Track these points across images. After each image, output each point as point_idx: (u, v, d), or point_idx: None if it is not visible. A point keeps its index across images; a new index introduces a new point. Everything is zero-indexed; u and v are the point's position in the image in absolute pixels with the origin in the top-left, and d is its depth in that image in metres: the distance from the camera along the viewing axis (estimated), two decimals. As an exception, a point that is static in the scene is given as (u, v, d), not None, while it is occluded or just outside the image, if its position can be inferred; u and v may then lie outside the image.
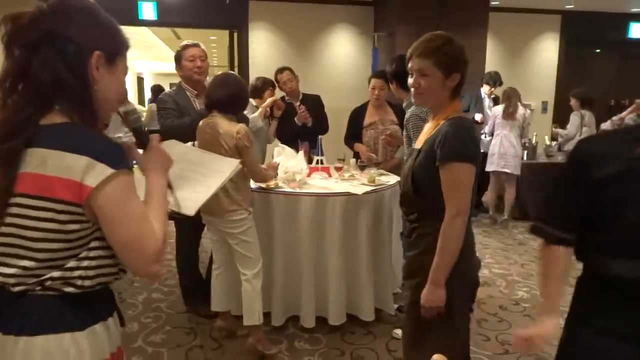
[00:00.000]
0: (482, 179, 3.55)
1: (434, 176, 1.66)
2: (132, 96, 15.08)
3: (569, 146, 5.40)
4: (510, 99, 5.37)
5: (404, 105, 3.20)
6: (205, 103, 2.76)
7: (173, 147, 1.45)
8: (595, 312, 1.28)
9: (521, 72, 7.40)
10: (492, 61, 7.02)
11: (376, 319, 3.19)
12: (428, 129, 1.80)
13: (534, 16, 7.41)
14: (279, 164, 3.13)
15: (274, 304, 3.09)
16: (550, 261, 1.38)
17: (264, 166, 3.09)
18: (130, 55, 1.41)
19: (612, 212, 1.23)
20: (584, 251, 1.33)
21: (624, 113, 5.49)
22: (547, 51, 7.66)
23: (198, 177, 1.53)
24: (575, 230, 1.32)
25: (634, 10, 7.39)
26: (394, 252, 3.44)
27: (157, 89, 8.87)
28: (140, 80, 17.84)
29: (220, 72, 2.95)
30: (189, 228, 3.21)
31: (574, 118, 5.64)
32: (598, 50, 8.25)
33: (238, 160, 1.99)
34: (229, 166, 1.83)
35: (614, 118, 5.47)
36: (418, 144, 1.82)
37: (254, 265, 2.74)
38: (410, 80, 1.75)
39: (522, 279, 4.14)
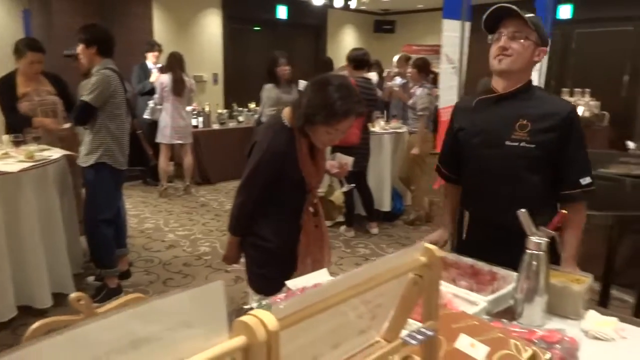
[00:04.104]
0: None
1: None
2: None
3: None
4: (174, 70, 5.44)
5: None
6: None
7: None
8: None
9: (190, 45, 7.70)
10: (160, 32, 7.10)
11: (55, 303, 3.00)
12: None
13: (196, -9, 7.78)
14: None
15: None
16: (445, 193, 1.91)
17: None
18: None
19: (463, 153, 1.74)
20: None
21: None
22: (211, 26, 8.17)
23: None
24: (457, 170, 1.80)
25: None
26: (73, 229, 3.30)
27: None
28: None
29: None
30: None
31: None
32: (257, 28, 9.29)
33: None
34: None
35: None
36: None
37: None
38: None
39: (203, 236, 4.51)
